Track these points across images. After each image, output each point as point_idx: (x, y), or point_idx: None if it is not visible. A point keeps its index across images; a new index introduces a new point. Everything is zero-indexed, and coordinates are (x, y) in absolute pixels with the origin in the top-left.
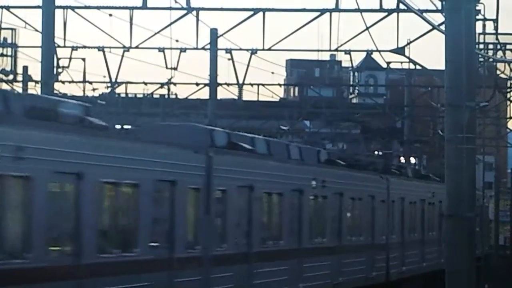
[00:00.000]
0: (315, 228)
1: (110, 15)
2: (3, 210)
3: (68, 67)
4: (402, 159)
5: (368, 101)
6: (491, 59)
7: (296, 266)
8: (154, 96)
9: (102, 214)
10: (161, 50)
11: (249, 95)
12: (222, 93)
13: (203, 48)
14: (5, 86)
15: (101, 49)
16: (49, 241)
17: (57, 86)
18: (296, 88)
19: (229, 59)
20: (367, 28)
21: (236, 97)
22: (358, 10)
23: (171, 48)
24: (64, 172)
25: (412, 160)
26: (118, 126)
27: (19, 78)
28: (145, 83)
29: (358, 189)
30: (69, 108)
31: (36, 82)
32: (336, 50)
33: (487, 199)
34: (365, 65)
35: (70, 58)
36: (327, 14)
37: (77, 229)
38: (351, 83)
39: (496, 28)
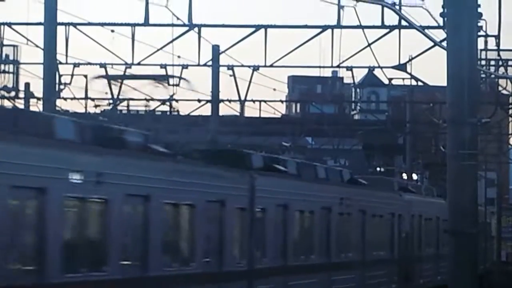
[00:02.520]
0: (342, 243)
1: (112, 31)
2: (87, 229)
3: (70, 83)
4: (405, 175)
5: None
6: (493, 76)
7: (326, 279)
8: (156, 112)
9: (166, 232)
10: (163, 66)
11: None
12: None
13: (205, 65)
14: (7, 103)
15: (103, 65)
16: (122, 255)
17: (59, 102)
18: (298, 105)
19: (231, 76)
20: (369, 45)
21: (238, 114)
22: (360, 26)
23: (173, 65)
24: (135, 195)
25: (414, 176)
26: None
27: (21, 95)
28: (147, 100)
29: (379, 207)
30: (133, 136)
31: (38, 99)
32: (338, 66)
33: (489, 216)
34: (367, 81)
35: (72, 75)
36: (329, 30)
37: (145, 244)
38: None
39: (498, 44)
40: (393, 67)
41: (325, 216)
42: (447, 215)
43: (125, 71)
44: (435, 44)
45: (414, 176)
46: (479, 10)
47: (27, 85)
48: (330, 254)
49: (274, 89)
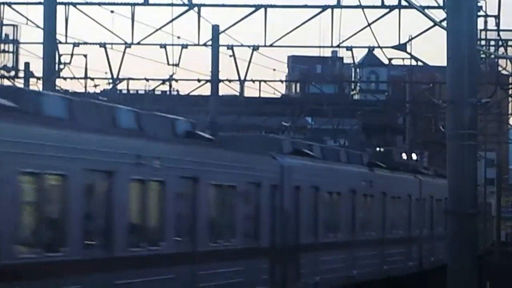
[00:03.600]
0: (365, 222)
1: (112, 11)
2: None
3: (70, 63)
4: (404, 156)
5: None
6: (492, 56)
7: (349, 255)
8: (156, 92)
9: (212, 210)
10: (163, 46)
11: (250, 91)
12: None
13: (204, 45)
14: (6, 83)
15: (102, 45)
16: (176, 232)
17: (59, 82)
18: (298, 85)
19: (230, 56)
20: (369, 25)
21: (237, 94)
22: (359, 6)
23: (172, 45)
24: (185, 177)
25: (414, 156)
26: None
27: (21, 74)
28: (147, 80)
29: (398, 189)
30: (182, 125)
31: (38, 78)
32: (338, 46)
33: (488, 196)
34: (367, 61)
35: (72, 55)
36: (329, 10)
37: (194, 222)
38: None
39: (497, 24)
40: (393, 47)
41: (350, 197)
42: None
43: (124, 51)
44: (435, 24)
45: (414, 156)
46: None
47: (26, 64)
48: (355, 232)
49: (274, 69)
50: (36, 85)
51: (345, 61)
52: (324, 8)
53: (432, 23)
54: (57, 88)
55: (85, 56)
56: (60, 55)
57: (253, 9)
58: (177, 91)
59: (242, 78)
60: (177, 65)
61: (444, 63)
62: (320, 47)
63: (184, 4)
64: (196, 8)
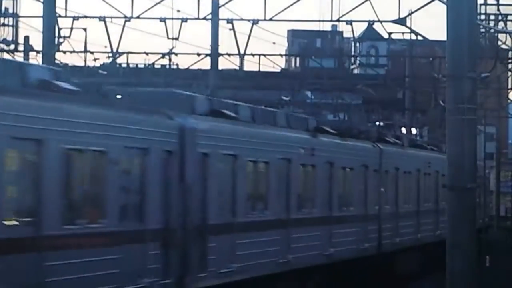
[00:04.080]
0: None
1: None
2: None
3: (69, 37)
4: (404, 130)
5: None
6: (492, 30)
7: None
8: (156, 66)
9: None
10: (163, 20)
11: (250, 65)
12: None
13: (204, 18)
14: (6, 56)
15: (102, 19)
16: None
17: (58, 56)
18: (298, 59)
19: (230, 29)
20: None
21: (237, 68)
22: None
23: (172, 18)
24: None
25: (414, 130)
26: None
27: (20, 48)
28: (147, 53)
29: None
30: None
31: (38, 52)
32: (338, 20)
33: (488, 170)
34: (367, 35)
35: (71, 28)
36: None
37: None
38: (353, 53)
39: None
40: (393, 21)
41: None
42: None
43: (124, 25)
44: None
45: (414, 131)
46: None
47: (26, 38)
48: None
49: (274, 43)
50: (35, 59)
51: (345, 35)
52: None
53: None
54: (56, 61)
55: (85, 29)
56: (59, 29)
57: None
58: (177, 65)
59: (242, 52)
60: (176, 39)
61: (444, 38)
62: (320, 21)
63: None
64: None
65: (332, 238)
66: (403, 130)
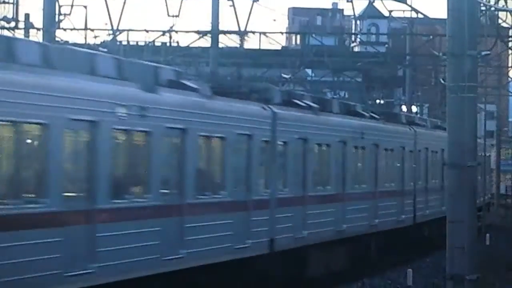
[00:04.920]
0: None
1: None
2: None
3: (69, 14)
4: (404, 108)
5: (370, 49)
6: (493, 8)
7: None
8: (156, 44)
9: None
10: None
11: (250, 43)
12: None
13: None
14: (6, 33)
15: None
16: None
17: (59, 33)
18: (298, 37)
19: (230, 6)
20: None
21: (237, 45)
22: None
23: None
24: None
25: (414, 108)
26: None
27: (21, 25)
28: (147, 31)
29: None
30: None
31: (38, 29)
32: None
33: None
34: (367, 13)
35: (72, 6)
36: None
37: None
38: (353, 31)
39: None
40: None
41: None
42: None
43: (124, 2)
44: None
45: (414, 109)
46: None
47: (27, 15)
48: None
49: (274, 20)
50: (36, 36)
51: (345, 13)
52: None
53: None
54: (57, 39)
55: (85, 7)
56: (60, 6)
57: None
58: (177, 42)
59: (242, 29)
60: (177, 16)
61: (445, 16)
62: None
63: None
64: None
65: (378, 210)
66: (404, 108)
